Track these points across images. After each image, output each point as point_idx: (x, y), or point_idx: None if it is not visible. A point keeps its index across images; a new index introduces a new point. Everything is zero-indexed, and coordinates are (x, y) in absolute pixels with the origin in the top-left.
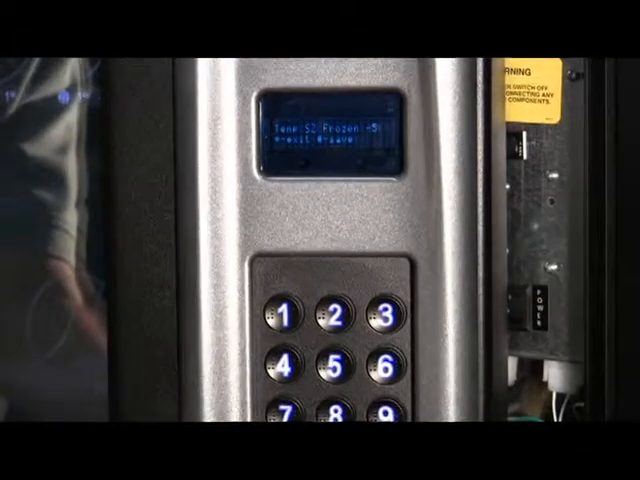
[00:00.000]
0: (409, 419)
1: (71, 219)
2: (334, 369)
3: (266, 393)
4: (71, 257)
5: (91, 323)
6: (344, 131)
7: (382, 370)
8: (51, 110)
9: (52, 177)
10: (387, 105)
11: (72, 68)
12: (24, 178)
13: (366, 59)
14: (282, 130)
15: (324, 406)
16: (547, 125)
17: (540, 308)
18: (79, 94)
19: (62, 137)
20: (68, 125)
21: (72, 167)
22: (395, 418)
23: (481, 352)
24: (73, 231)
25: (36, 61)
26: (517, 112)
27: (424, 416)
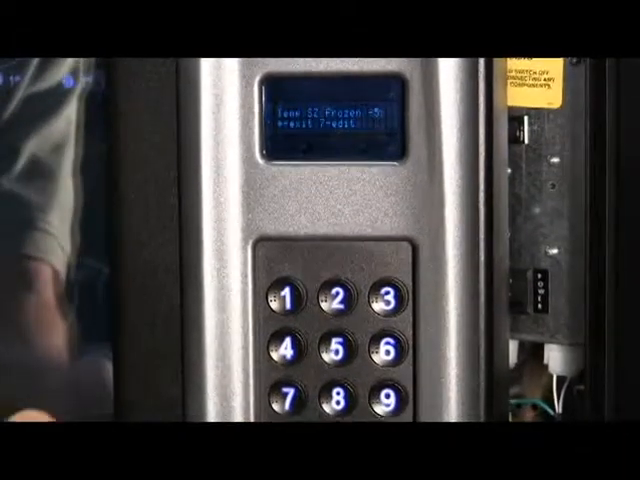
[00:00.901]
0: (410, 402)
1: (55, 217)
2: (336, 352)
3: (269, 376)
4: (51, 257)
5: (55, 325)
6: (346, 115)
7: (384, 353)
8: (55, 97)
9: (46, 167)
10: (389, 89)
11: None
12: (17, 172)
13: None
14: (285, 114)
15: (326, 389)
16: (548, 110)
17: (541, 292)
18: (82, 78)
19: (65, 122)
20: (69, 112)
21: (70, 152)
22: (397, 401)
23: (482, 335)
24: (54, 230)
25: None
26: (518, 97)
27: (425, 399)
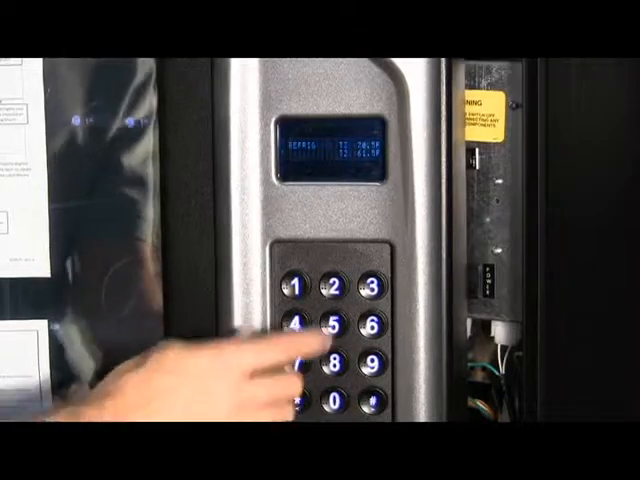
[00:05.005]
0: (390, 365)
1: (149, 211)
2: (333, 327)
3: None
4: (148, 238)
5: (158, 287)
6: (341, 147)
7: (369, 328)
8: (132, 133)
9: (136, 182)
10: (373, 128)
11: (149, 101)
12: (117, 183)
13: (357, 93)
14: (294, 147)
15: (326, 356)
16: (494, 143)
17: (489, 281)
18: (142, 121)
19: (143, 152)
20: (146, 144)
21: (150, 174)
22: (379, 364)
23: (445, 314)
24: (150, 220)
25: (127, 97)
26: (471, 133)
27: (401, 361)
